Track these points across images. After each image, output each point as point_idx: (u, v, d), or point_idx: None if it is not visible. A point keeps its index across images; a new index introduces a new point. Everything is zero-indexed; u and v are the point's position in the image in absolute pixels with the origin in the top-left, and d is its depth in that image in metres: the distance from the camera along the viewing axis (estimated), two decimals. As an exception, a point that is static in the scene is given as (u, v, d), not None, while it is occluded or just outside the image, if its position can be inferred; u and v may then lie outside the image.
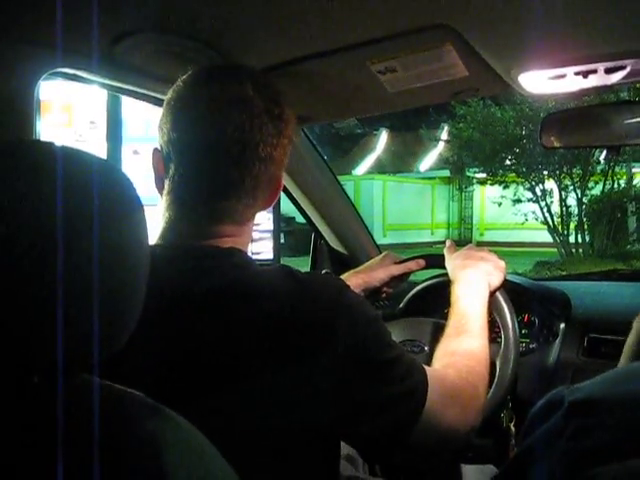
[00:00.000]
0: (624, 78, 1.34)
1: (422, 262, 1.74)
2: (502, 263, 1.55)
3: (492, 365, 1.62)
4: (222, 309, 0.95)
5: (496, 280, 1.52)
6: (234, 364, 0.92)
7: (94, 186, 0.64)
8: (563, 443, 0.71)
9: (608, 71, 1.32)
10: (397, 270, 1.75)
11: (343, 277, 1.63)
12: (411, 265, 1.76)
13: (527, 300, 1.92)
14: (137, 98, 1.61)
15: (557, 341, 1.84)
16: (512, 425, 1.69)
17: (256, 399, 0.92)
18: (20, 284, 0.59)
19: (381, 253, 2.37)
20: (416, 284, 2.05)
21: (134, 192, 0.70)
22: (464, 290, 1.45)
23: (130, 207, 0.68)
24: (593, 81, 1.36)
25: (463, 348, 1.30)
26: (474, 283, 1.47)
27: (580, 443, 0.69)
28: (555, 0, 1.10)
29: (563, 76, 1.36)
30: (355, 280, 1.67)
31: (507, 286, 1.71)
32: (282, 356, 0.93)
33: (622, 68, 1.31)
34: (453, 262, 1.57)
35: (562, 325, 1.86)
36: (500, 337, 1.63)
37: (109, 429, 0.62)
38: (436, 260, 1.69)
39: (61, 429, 0.59)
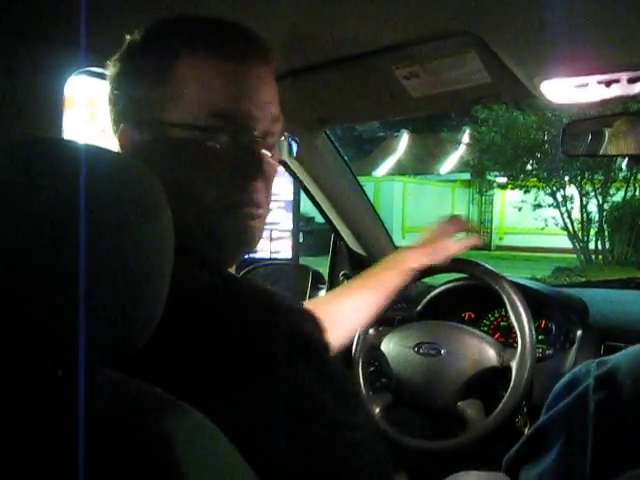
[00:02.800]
0: (647, 88, 1.34)
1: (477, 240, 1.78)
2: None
3: (508, 370, 1.63)
4: None
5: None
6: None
7: (118, 186, 0.64)
8: (590, 417, 0.71)
9: (631, 81, 1.32)
10: (455, 249, 1.68)
11: (403, 251, 1.66)
12: (471, 241, 1.74)
13: (545, 306, 1.92)
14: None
15: (574, 348, 1.83)
16: (527, 430, 1.70)
17: None
18: (44, 281, 0.59)
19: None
20: (433, 287, 2.06)
21: (159, 192, 0.69)
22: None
23: (155, 207, 0.68)
24: (615, 91, 1.36)
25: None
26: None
27: (604, 417, 0.69)
28: (578, 8, 1.11)
29: (585, 85, 1.36)
30: (419, 258, 1.62)
31: (525, 291, 1.71)
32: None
33: (645, 78, 1.31)
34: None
35: (579, 332, 1.85)
36: (517, 342, 1.64)
37: (128, 424, 0.62)
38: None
39: (82, 423, 0.60)
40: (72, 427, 0.60)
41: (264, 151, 0.94)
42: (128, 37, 0.97)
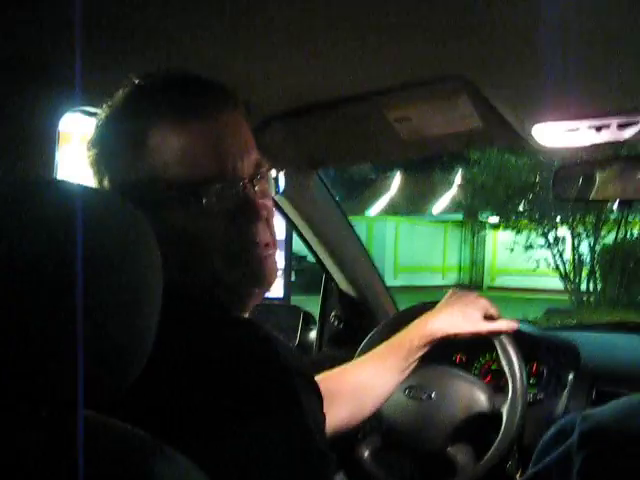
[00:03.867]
0: (636, 134, 1.35)
1: (515, 325, 1.63)
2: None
3: (499, 414, 1.62)
4: None
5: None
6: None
7: (108, 225, 0.65)
8: (574, 474, 0.70)
9: (621, 127, 1.34)
10: (485, 329, 1.58)
11: (430, 318, 1.57)
12: (503, 327, 1.61)
13: (536, 349, 1.91)
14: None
15: (565, 392, 1.82)
16: (518, 476, 1.68)
17: None
18: (33, 321, 0.59)
19: (391, 296, 2.38)
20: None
21: (149, 230, 0.70)
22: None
23: (146, 248, 0.69)
24: (606, 136, 1.37)
25: None
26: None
27: (590, 473, 0.69)
28: (570, 55, 1.12)
29: (576, 129, 1.38)
30: (445, 326, 1.53)
31: (516, 334, 1.71)
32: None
33: (634, 124, 1.32)
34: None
35: (571, 376, 1.85)
36: (508, 386, 1.63)
37: (113, 468, 0.61)
38: None
39: (63, 465, 0.59)
40: (54, 468, 0.59)
41: (256, 195, 0.95)
42: (102, 110, 0.99)
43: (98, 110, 1.36)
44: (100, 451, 0.63)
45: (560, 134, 1.41)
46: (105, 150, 0.97)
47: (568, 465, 0.72)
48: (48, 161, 1.27)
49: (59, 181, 0.74)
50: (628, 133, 1.35)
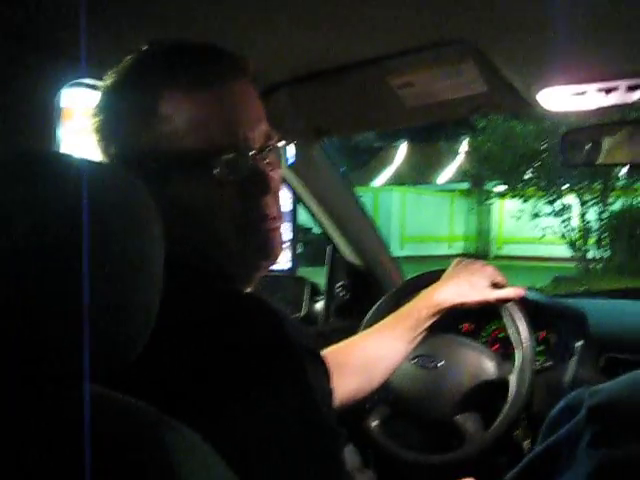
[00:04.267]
0: (646, 96, 1.33)
1: (522, 291, 1.61)
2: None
3: (507, 382, 1.61)
4: None
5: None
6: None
7: (109, 197, 0.64)
8: (583, 449, 0.69)
9: (630, 89, 1.31)
10: (493, 297, 1.56)
11: (437, 289, 1.56)
12: (510, 294, 1.59)
13: (544, 317, 1.91)
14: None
15: (574, 359, 1.82)
16: (527, 443, 1.68)
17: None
18: (36, 294, 0.59)
19: (397, 266, 2.38)
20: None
21: (150, 203, 0.70)
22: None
23: (147, 217, 0.68)
24: (614, 99, 1.35)
25: None
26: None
27: (602, 450, 0.68)
28: (577, 16, 1.10)
29: (584, 93, 1.35)
30: (452, 296, 1.53)
31: (524, 302, 1.70)
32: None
33: (644, 86, 1.30)
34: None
35: (579, 343, 1.84)
36: (515, 354, 1.62)
37: (116, 441, 0.61)
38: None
39: (71, 440, 0.59)
40: (62, 443, 0.59)
41: (265, 166, 0.94)
42: (108, 76, 0.96)
43: (99, 82, 1.35)
44: (107, 425, 0.62)
45: (567, 98, 1.39)
46: (112, 117, 0.95)
47: (577, 440, 0.71)
48: (49, 133, 1.26)
49: (60, 153, 0.74)
50: (637, 95, 1.32)
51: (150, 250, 0.68)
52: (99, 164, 0.69)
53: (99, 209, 0.62)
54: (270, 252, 0.98)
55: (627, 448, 0.68)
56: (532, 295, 2.00)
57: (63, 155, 0.70)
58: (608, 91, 1.34)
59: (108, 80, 0.96)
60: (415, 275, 1.96)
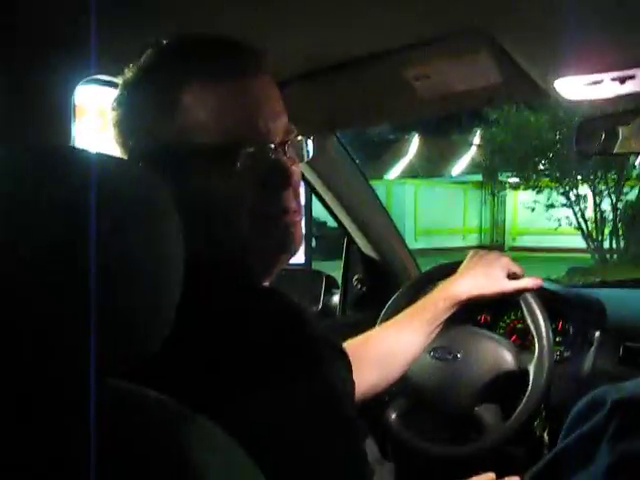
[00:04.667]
0: (662, 84, 1.32)
1: (539, 282, 1.62)
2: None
3: (526, 373, 1.61)
4: None
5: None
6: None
7: (127, 192, 0.64)
8: (605, 444, 0.69)
9: (646, 77, 1.31)
10: (510, 288, 1.58)
11: (454, 281, 1.58)
12: (528, 284, 1.60)
13: (561, 307, 1.90)
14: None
15: (592, 350, 1.81)
16: (545, 434, 1.67)
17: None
18: (52, 288, 0.59)
19: (413, 259, 2.37)
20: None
21: (168, 197, 0.69)
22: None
23: (164, 213, 0.68)
24: (630, 87, 1.34)
25: None
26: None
27: (622, 445, 0.68)
28: (591, 6, 1.09)
29: (599, 82, 1.34)
30: (469, 288, 1.54)
31: (541, 293, 1.69)
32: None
33: (660, 74, 1.29)
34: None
35: (597, 333, 1.83)
36: (534, 345, 1.62)
37: (141, 436, 0.62)
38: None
39: (89, 434, 0.59)
40: (81, 438, 0.59)
41: (287, 160, 0.94)
42: (128, 70, 0.97)
43: (113, 79, 1.36)
44: (125, 418, 0.63)
45: (583, 87, 1.38)
46: (132, 110, 0.95)
47: (601, 434, 0.71)
48: (64, 130, 1.27)
49: (76, 149, 0.74)
50: (654, 83, 1.32)
51: (168, 245, 0.68)
52: (116, 159, 0.69)
53: (115, 205, 0.62)
54: (290, 246, 0.98)
55: None
56: (549, 285, 2.00)
57: (78, 150, 0.70)
58: (624, 80, 1.33)
59: (128, 73, 0.96)
60: (431, 267, 1.96)
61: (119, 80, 1.31)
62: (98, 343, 0.60)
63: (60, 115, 1.26)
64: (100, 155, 0.67)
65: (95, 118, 4.46)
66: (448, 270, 1.72)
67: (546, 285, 1.95)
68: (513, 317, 1.97)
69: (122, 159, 0.67)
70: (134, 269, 0.62)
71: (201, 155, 0.90)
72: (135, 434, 0.62)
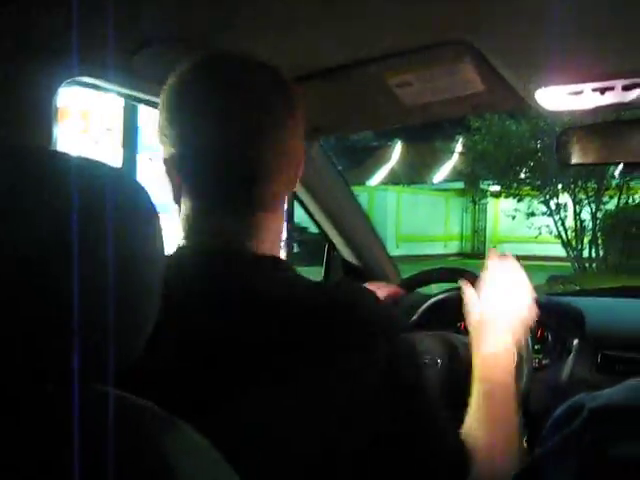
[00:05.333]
0: (641, 96, 1.34)
1: None
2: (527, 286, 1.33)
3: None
4: (258, 312, 0.92)
5: (527, 318, 1.31)
6: (268, 372, 0.89)
7: (108, 196, 0.64)
8: (582, 451, 0.70)
9: (625, 88, 1.32)
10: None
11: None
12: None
13: (541, 315, 1.91)
14: (153, 107, 1.62)
15: (570, 357, 1.82)
16: (524, 441, 1.68)
17: (284, 409, 0.88)
18: (35, 292, 0.59)
19: (394, 266, 2.38)
20: (428, 297, 2.04)
21: (149, 201, 0.69)
22: (490, 358, 1.22)
23: (145, 216, 0.68)
24: (610, 98, 1.36)
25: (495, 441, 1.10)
26: (501, 342, 1.24)
27: (598, 452, 0.69)
28: (573, 17, 1.10)
29: (580, 92, 1.36)
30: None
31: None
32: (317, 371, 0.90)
33: (639, 86, 1.31)
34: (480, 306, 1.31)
35: (575, 341, 1.85)
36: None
37: (120, 441, 0.61)
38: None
39: (73, 439, 0.59)
40: (63, 443, 0.59)
41: None
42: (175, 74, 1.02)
43: (95, 81, 1.36)
44: (106, 422, 0.62)
45: (564, 97, 1.39)
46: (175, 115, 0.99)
47: (578, 442, 0.72)
48: (46, 133, 1.26)
49: (56, 151, 0.74)
50: (633, 95, 1.33)
51: (152, 247, 0.68)
52: (97, 163, 0.68)
53: (94, 208, 0.62)
54: None
55: (625, 448, 0.69)
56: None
57: (59, 152, 0.69)
58: (604, 91, 1.34)
59: (174, 78, 1.01)
60: (412, 274, 1.97)
61: (102, 83, 1.32)
62: (81, 348, 0.60)
63: (41, 117, 1.25)
64: (80, 158, 0.67)
65: (78, 120, 4.45)
66: (428, 277, 1.73)
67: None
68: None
69: (101, 162, 0.67)
70: (116, 273, 0.62)
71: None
72: (116, 438, 0.61)
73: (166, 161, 1.01)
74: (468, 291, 1.34)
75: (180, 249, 1.00)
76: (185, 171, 0.99)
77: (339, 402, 0.89)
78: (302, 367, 0.89)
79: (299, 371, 0.88)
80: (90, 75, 1.34)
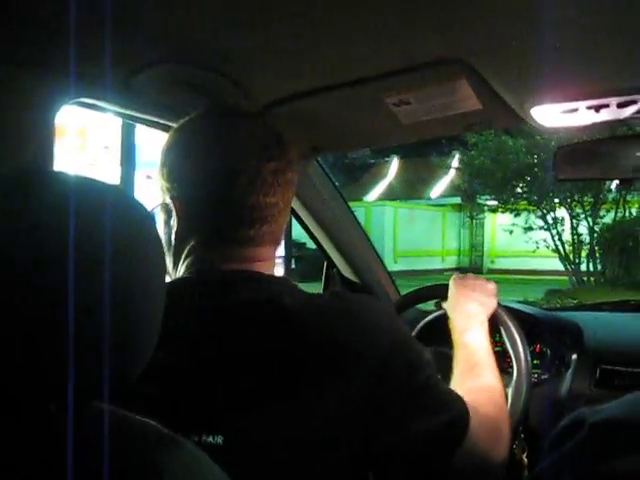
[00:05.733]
0: (636, 113, 1.35)
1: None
2: (491, 286, 1.58)
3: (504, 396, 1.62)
4: (260, 327, 0.99)
5: (490, 306, 1.55)
6: (270, 383, 0.95)
7: (108, 217, 0.64)
8: (583, 466, 0.70)
9: (620, 105, 1.33)
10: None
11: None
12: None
13: (539, 330, 1.91)
14: (150, 126, 1.62)
15: (569, 372, 1.83)
16: (524, 456, 1.68)
17: (283, 418, 0.94)
18: (35, 313, 0.59)
19: (393, 282, 2.38)
20: (426, 313, 2.04)
21: (150, 222, 0.70)
22: (464, 324, 1.49)
23: (146, 238, 0.69)
24: (605, 115, 1.37)
25: (482, 383, 1.31)
26: (472, 316, 1.50)
27: (600, 467, 0.69)
28: (568, 36, 1.11)
29: (575, 110, 1.37)
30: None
31: (519, 315, 1.70)
32: (313, 376, 0.96)
33: (634, 103, 1.32)
34: (450, 298, 1.60)
35: (574, 356, 1.85)
36: (512, 368, 1.63)
37: (121, 460, 0.62)
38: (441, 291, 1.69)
39: (74, 458, 0.60)
40: (66, 461, 0.59)
41: None
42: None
43: (94, 101, 1.36)
44: (112, 441, 0.63)
45: (559, 114, 1.40)
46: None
47: (578, 457, 0.72)
48: (45, 154, 1.26)
49: (56, 172, 0.74)
50: (628, 112, 1.34)
51: (152, 267, 0.68)
52: (95, 181, 0.68)
53: (93, 228, 0.62)
54: None
55: (627, 462, 0.69)
56: (527, 309, 2.01)
57: (58, 173, 0.70)
58: (599, 108, 1.35)
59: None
60: (411, 290, 1.97)
61: (101, 103, 1.32)
62: (81, 367, 0.60)
63: (41, 138, 1.25)
64: (80, 177, 0.67)
65: (75, 138, 4.45)
66: (428, 293, 1.73)
67: (523, 308, 1.97)
68: (491, 340, 1.97)
69: (100, 181, 0.67)
70: (117, 294, 0.62)
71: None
72: (117, 457, 0.62)
73: (173, 198, 1.11)
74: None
75: (186, 277, 1.10)
76: (191, 209, 1.10)
77: (335, 405, 0.95)
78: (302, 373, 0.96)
79: (300, 378, 0.95)
80: (89, 96, 1.34)
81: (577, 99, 1.33)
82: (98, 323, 0.61)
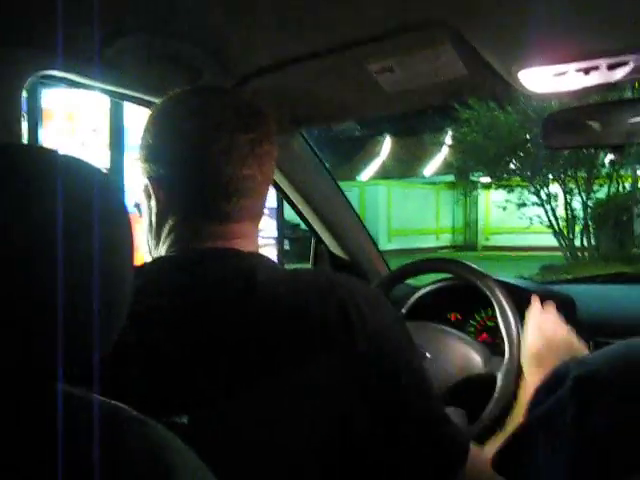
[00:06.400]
0: (627, 75, 1.31)
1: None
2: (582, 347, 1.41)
3: (494, 378, 1.59)
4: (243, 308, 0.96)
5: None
6: (240, 361, 0.93)
7: (84, 194, 0.65)
8: (567, 420, 0.69)
9: (610, 67, 1.29)
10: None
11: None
12: None
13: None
14: (132, 102, 1.60)
15: (563, 346, 1.80)
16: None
17: (255, 397, 0.92)
18: (11, 289, 0.59)
19: (383, 259, 2.36)
20: (418, 288, 2.03)
21: (121, 197, 0.70)
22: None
23: (117, 212, 0.69)
24: (595, 78, 1.33)
25: None
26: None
27: (584, 420, 0.67)
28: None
29: (564, 73, 1.33)
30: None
31: (512, 290, 1.68)
32: (286, 354, 0.94)
33: (625, 64, 1.28)
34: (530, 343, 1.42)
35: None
36: (503, 348, 1.60)
37: (88, 443, 0.61)
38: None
39: (39, 442, 0.60)
40: (35, 443, 0.60)
41: None
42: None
43: (66, 74, 1.33)
44: (71, 422, 0.62)
45: (548, 79, 1.37)
46: None
47: (562, 411, 0.70)
48: (14, 127, 1.24)
49: (29, 145, 0.74)
50: (619, 74, 1.30)
51: (122, 243, 0.69)
52: (68, 156, 0.68)
53: (66, 201, 0.62)
54: None
55: (613, 414, 0.67)
56: (520, 282, 1.99)
57: (34, 147, 0.71)
58: (588, 71, 1.32)
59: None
60: (399, 266, 1.96)
61: (75, 77, 1.29)
62: (46, 346, 0.60)
63: (9, 112, 1.23)
64: (62, 155, 0.67)
65: (63, 121, 4.44)
66: (416, 269, 1.71)
67: (517, 282, 1.95)
68: (484, 315, 1.95)
69: (82, 159, 0.68)
70: (85, 271, 0.62)
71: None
72: (82, 438, 0.61)
73: (151, 179, 1.09)
74: (533, 311, 1.47)
75: (163, 257, 1.08)
76: (168, 188, 1.08)
77: (309, 383, 0.93)
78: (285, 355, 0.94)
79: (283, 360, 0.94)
80: (60, 69, 1.31)
81: (565, 61, 1.29)
82: (66, 301, 0.61)
